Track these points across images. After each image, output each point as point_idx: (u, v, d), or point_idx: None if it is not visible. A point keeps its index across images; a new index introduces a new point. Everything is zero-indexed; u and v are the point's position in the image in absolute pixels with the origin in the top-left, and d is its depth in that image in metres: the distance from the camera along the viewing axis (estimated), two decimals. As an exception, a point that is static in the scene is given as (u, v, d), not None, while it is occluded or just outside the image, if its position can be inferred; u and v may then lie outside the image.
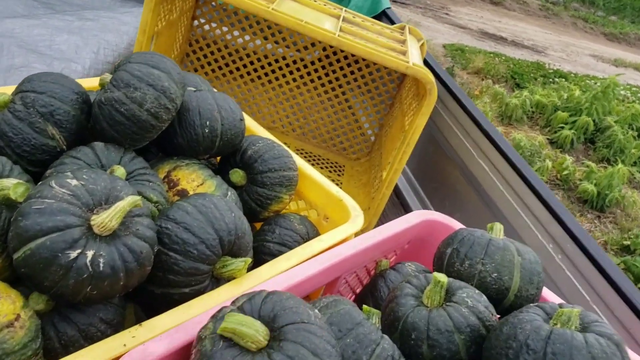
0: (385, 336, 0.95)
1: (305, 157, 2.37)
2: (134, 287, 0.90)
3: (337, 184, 2.24)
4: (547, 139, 6.12)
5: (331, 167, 2.37)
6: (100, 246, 0.83)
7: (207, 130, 1.16)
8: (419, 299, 1.06)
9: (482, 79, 7.19)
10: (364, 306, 1.00)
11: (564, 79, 7.57)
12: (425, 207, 2.31)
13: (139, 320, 1.04)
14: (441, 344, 0.98)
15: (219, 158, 1.41)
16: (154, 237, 0.91)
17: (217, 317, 0.83)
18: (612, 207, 5.17)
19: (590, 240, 1.60)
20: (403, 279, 1.21)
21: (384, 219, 2.27)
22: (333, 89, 2.35)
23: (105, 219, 0.83)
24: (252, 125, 1.44)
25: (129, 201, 0.85)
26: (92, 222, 0.83)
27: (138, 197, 0.86)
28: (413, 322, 1.01)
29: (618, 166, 5.29)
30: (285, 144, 2.33)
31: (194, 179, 1.13)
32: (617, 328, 1.45)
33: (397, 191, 2.45)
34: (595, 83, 7.32)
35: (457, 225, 1.32)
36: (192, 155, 1.20)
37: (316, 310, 0.87)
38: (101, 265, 0.82)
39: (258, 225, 1.39)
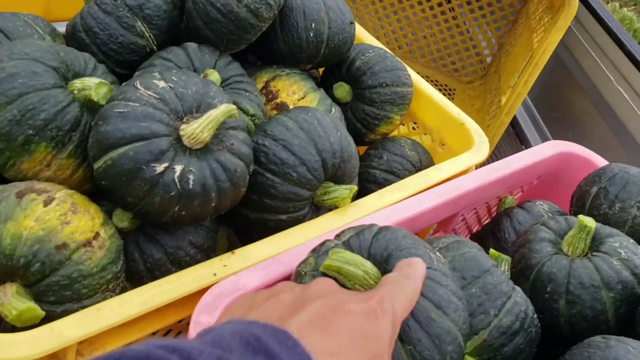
0: (518, 288, 0.79)
1: (411, 77, 2.16)
2: (226, 210, 0.78)
3: (445, 109, 2.04)
4: (680, 71, 5.45)
5: (440, 89, 2.15)
6: (190, 161, 0.71)
7: (312, 34, 1.00)
8: (557, 245, 0.88)
9: (608, 2, 6.45)
10: (491, 250, 0.84)
11: None
12: (544, 139, 2.05)
13: (231, 245, 0.94)
14: (584, 300, 0.81)
15: (321, 70, 1.25)
16: (250, 155, 0.78)
17: (319, 251, 0.71)
18: None
19: None
20: (533, 220, 1.03)
21: (496, 150, 2.05)
22: (448, 1, 2.09)
23: (197, 129, 0.71)
24: (361, 33, 1.26)
25: (223, 110, 0.72)
26: (181, 132, 0.71)
27: (233, 107, 0.73)
28: (550, 272, 0.84)
29: None
30: (390, 62, 2.13)
31: (294, 91, 0.98)
32: None
33: (512, 120, 2.19)
34: None
35: (601, 161, 1.10)
36: (294, 64, 1.05)
37: (438, 253, 0.72)
38: (191, 182, 0.70)
39: (362, 149, 1.24)
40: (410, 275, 0.58)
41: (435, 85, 2.16)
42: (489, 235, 1.05)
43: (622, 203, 0.93)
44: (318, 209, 0.90)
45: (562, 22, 1.52)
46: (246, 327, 0.39)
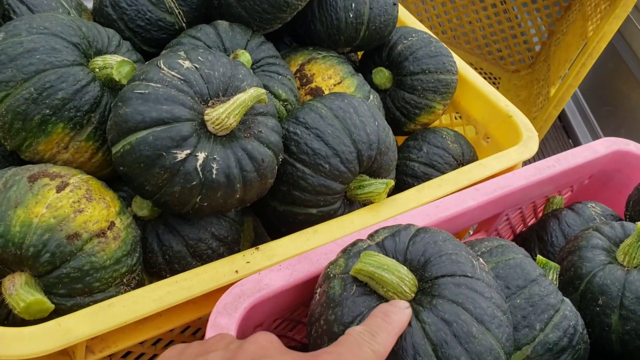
0: (567, 300, 0.72)
1: (453, 64, 2.06)
2: (252, 202, 0.73)
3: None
4: None
5: (485, 78, 2.04)
6: (215, 148, 0.66)
7: (351, 15, 0.93)
8: (611, 254, 0.80)
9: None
10: (539, 257, 0.76)
11: None
12: (593, 134, 1.94)
13: (258, 238, 0.89)
14: (639, 317, 0.73)
15: (360, 54, 1.18)
16: (280, 144, 0.72)
17: (350, 252, 0.65)
18: None
19: None
20: (584, 223, 0.95)
21: (542, 144, 1.95)
22: (496, -15, 1.98)
23: (222, 115, 0.65)
24: (404, 15, 1.18)
25: (251, 94, 0.66)
26: (205, 117, 0.66)
27: (263, 91, 0.67)
28: (602, 283, 0.76)
29: None
30: (432, 48, 2.04)
31: (330, 75, 0.92)
32: None
33: (560, 113, 2.08)
34: None
35: (659, 160, 1.01)
36: (331, 46, 0.98)
37: (481, 260, 0.65)
38: (214, 171, 0.65)
39: (400, 140, 1.17)
40: (381, 330, 0.51)
41: (480, 73, 2.06)
42: (534, 237, 0.97)
43: (686, 209, 0.84)
44: (351, 203, 0.84)
45: (621, 10, 1.41)
46: None
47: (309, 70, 0.93)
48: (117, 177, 0.74)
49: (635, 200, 0.92)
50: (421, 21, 2.06)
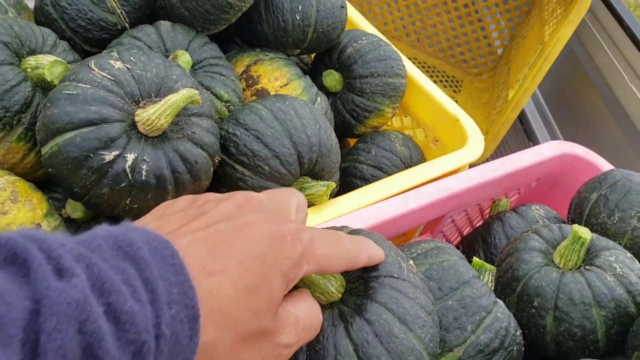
0: (500, 302, 0.73)
1: (417, 67, 2.08)
2: (187, 204, 0.72)
3: (451, 101, 1.96)
4: (703, 70, 5.28)
5: (447, 81, 2.07)
6: (145, 149, 0.65)
7: (298, 17, 0.93)
8: (548, 256, 0.81)
9: (632, -4, 6.26)
10: (475, 259, 0.77)
11: None
12: (554, 137, 1.97)
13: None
14: (572, 318, 0.74)
15: (313, 57, 1.18)
16: (215, 145, 0.72)
17: None
18: None
19: None
20: (527, 225, 0.96)
21: (502, 146, 1.97)
22: (458, -11, 2.00)
23: (153, 115, 0.65)
24: (355, 18, 1.19)
25: (184, 95, 0.65)
26: (136, 118, 0.65)
27: (196, 92, 0.66)
28: (538, 285, 0.77)
29: None
30: (396, 50, 2.05)
31: (277, 77, 0.92)
32: None
33: (521, 115, 2.11)
34: None
35: (605, 164, 1.03)
36: (279, 48, 0.98)
37: (411, 262, 0.65)
38: (144, 172, 0.64)
39: (352, 142, 1.17)
40: (354, 240, 0.52)
41: (442, 76, 2.08)
42: (479, 239, 0.98)
43: (622, 213, 0.86)
44: (293, 205, 0.84)
45: (575, 15, 1.44)
46: (126, 232, 0.35)
47: (255, 72, 0.93)
48: (50, 180, 0.73)
49: (577, 203, 0.94)
50: (385, 24, 2.07)
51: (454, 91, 2.03)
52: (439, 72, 2.09)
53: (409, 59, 2.00)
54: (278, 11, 0.93)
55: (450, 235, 1.06)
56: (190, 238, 0.38)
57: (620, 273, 0.76)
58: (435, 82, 2.04)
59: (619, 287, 0.75)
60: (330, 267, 0.48)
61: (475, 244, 0.99)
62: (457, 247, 1.08)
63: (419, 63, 2.10)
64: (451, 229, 1.04)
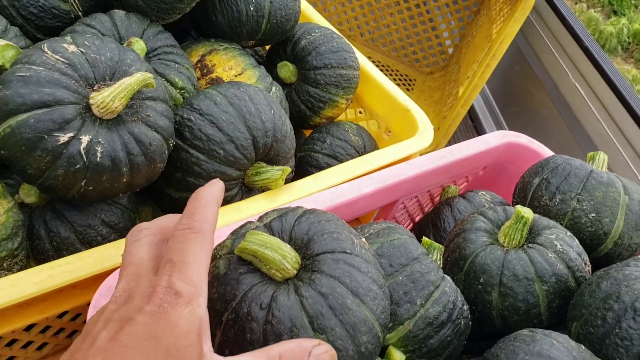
0: (447, 277, 0.76)
1: (372, 66, 2.12)
2: (142, 187, 0.73)
3: (404, 99, 2.00)
4: (643, 73, 5.53)
5: (400, 80, 2.12)
6: (100, 132, 0.66)
7: (252, 8, 0.95)
8: (493, 235, 0.85)
9: (576, 2, 6.52)
10: (424, 238, 0.80)
11: (670, 8, 6.77)
12: (502, 133, 2.04)
13: (157, 226, 0.89)
14: (516, 293, 0.78)
15: (268, 49, 1.20)
16: (170, 128, 0.73)
17: (238, 233, 0.66)
18: None
19: None
20: (474, 209, 1.00)
21: (453, 142, 2.03)
22: (410, -11, 2.06)
23: (107, 98, 0.65)
24: (309, 11, 1.22)
25: (138, 78, 0.66)
26: (90, 101, 0.66)
27: (150, 75, 0.67)
28: (483, 262, 0.81)
29: None
30: (351, 49, 2.09)
31: (232, 66, 0.93)
32: None
33: (472, 112, 2.18)
34: None
35: (546, 151, 1.08)
36: (234, 39, 1.00)
37: (363, 239, 0.68)
38: (99, 154, 0.65)
39: (308, 132, 1.20)
40: (196, 219, 0.49)
41: (396, 75, 2.13)
42: (429, 224, 1.02)
43: (563, 195, 0.90)
44: (249, 190, 0.86)
45: (520, 13, 1.50)
46: None
47: (210, 61, 0.94)
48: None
49: (521, 187, 0.98)
50: (339, 24, 2.11)
51: (407, 89, 2.08)
52: (392, 71, 2.14)
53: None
54: (232, 2, 0.95)
55: (402, 221, 1.09)
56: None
57: (561, 250, 0.81)
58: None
59: (559, 262, 0.80)
60: None
61: (425, 228, 1.02)
62: (410, 232, 1.11)
63: (374, 62, 2.14)
64: (403, 214, 1.07)
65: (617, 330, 0.68)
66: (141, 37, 0.85)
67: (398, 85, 2.09)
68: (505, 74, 2.12)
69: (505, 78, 2.11)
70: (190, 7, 0.89)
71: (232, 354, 0.46)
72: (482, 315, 0.81)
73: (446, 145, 1.91)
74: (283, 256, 0.59)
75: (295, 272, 0.61)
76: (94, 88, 0.67)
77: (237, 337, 0.55)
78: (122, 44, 0.83)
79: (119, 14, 0.85)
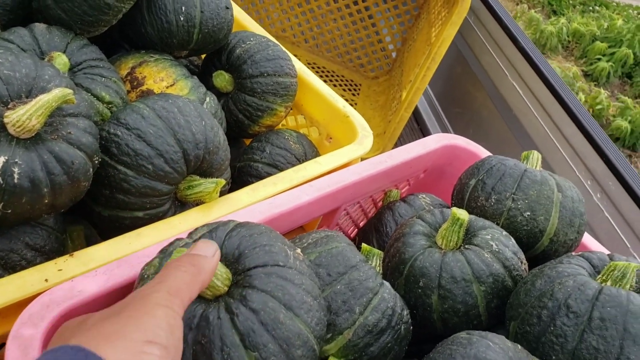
0: (386, 283, 0.76)
1: (317, 72, 2.12)
2: (68, 207, 0.71)
3: (351, 104, 2.01)
4: (582, 70, 5.74)
5: (346, 85, 2.13)
6: (16, 152, 0.63)
7: (182, 18, 0.93)
8: (431, 238, 0.86)
9: (517, 4, 6.71)
10: (363, 245, 0.80)
11: (605, 8, 7.06)
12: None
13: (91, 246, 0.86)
14: (455, 295, 0.79)
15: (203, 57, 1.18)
16: (94, 145, 0.70)
17: (167, 252, 0.64)
18: (646, 146, 4.86)
19: (638, 179, 1.38)
20: (415, 213, 1.01)
21: (399, 145, 2.05)
22: (352, -5, 2.07)
23: (23, 116, 0.63)
24: (244, 19, 1.20)
25: (56, 95, 0.64)
26: (5, 120, 0.63)
27: (69, 91, 0.65)
28: (422, 266, 0.81)
29: (657, 103, 4.92)
30: (295, 56, 2.08)
31: (163, 77, 0.91)
32: (661, 282, 1.25)
33: (417, 115, 2.21)
34: (639, 14, 6.80)
35: (483, 152, 1.10)
36: (165, 49, 0.98)
37: (298, 250, 0.67)
38: (16, 176, 0.62)
39: (248, 142, 1.18)
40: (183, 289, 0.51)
41: (342, 80, 2.14)
42: (372, 229, 1.02)
43: (498, 195, 0.92)
44: (183, 205, 0.84)
45: (457, 17, 1.53)
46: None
47: (140, 73, 0.92)
48: None
49: (458, 189, 0.99)
50: (283, 30, 2.10)
51: (353, 94, 2.09)
52: (338, 76, 2.14)
53: (308, 64, 2.05)
54: (161, 12, 0.93)
55: (346, 228, 1.09)
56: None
57: (497, 250, 0.82)
58: (334, 86, 2.09)
59: (495, 262, 0.81)
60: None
61: (369, 233, 1.02)
62: (354, 238, 1.11)
63: (319, 68, 2.14)
64: (347, 221, 1.07)
65: (552, 328, 0.69)
66: (64, 51, 0.82)
67: (344, 90, 2.10)
68: (447, 76, 2.15)
69: (448, 80, 2.15)
70: (116, 19, 0.87)
71: None
72: (423, 318, 0.82)
73: (393, 149, 1.93)
74: (214, 275, 0.58)
75: (226, 288, 0.60)
76: (9, 106, 0.64)
77: None
78: (43, 58, 0.80)
79: (39, 27, 0.82)
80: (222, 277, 0.59)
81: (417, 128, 2.14)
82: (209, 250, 0.55)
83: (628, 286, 0.71)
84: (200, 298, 0.59)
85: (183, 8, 0.93)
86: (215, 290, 0.58)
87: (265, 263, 0.61)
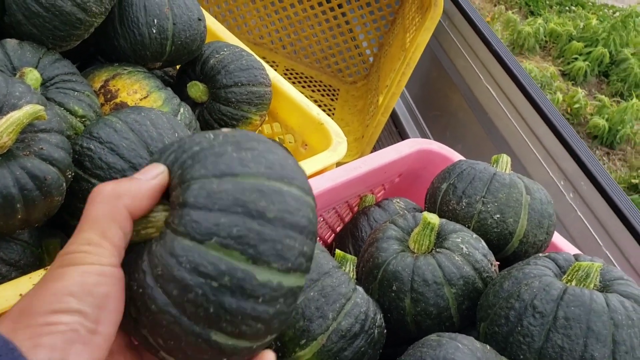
0: (359, 288, 0.78)
1: (295, 78, 2.14)
2: (42, 222, 0.71)
3: (330, 110, 2.03)
4: (560, 70, 5.82)
5: (324, 90, 2.15)
6: (-12, 169, 0.63)
7: (154, 31, 0.94)
8: (404, 243, 0.88)
9: (495, 5, 6.79)
10: (337, 251, 0.82)
11: (581, 7, 7.17)
12: (424, 137, 2.10)
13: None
14: (427, 298, 0.81)
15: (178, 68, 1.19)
16: (66, 160, 0.71)
17: None
18: (623, 143, 4.95)
19: (608, 178, 1.41)
20: (389, 217, 1.03)
21: (379, 148, 2.07)
22: (328, 1, 2.08)
23: (-6, 134, 0.63)
24: (217, 29, 1.22)
25: (27, 111, 0.64)
26: (-24, 137, 0.64)
27: (41, 107, 0.65)
28: (395, 270, 0.83)
29: (632, 101, 5.02)
30: (274, 62, 2.10)
31: (136, 90, 0.92)
32: (634, 278, 1.28)
33: (395, 119, 2.23)
34: (614, 13, 6.91)
35: (456, 156, 1.12)
36: (139, 62, 0.99)
37: None
38: (-12, 193, 0.63)
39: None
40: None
41: (320, 85, 2.16)
42: (348, 234, 1.04)
43: (469, 198, 0.94)
44: (159, 216, 0.84)
45: (430, 22, 1.55)
46: None
47: (114, 86, 0.92)
48: None
49: (431, 194, 1.01)
50: (261, 37, 2.12)
51: (332, 99, 2.11)
52: (316, 81, 2.16)
53: (286, 70, 2.06)
54: (134, 25, 0.94)
55: (323, 233, 1.11)
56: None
57: (467, 252, 0.84)
58: (313, 91, 2.11)
59: (466, 265, 0.83)
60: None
61: (345, 239, 1.04)
62: (331, 243, 1.13)
63: (297, 74, 2.16)
64: (323, 226, 1.09)
65: (519, 328, 0.71)
66: (36, 67, 0.82)
67: (322, 95, 2.12)
68: (424, 80, 2.18)
69: (425, 84, 2.18)
70: (88, 33, 0.88)
71: None
72: (397, 322, 0.83)
73: (371, 152, 1.95)
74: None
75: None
76: (-20, 124, 0.65)
77: None
78: (15, 74, 0.80)
79: (11, 43, 0.83)
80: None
81: (395, 131, 2.17)
82: (147, 174, 0.46)
83: (592, 285, 0.73)
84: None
85: (155, 21, 0.94)
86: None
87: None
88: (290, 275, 0.43)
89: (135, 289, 0.43)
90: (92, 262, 0.41)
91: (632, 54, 5.90)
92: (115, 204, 0.44)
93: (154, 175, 0.46)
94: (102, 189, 0.46)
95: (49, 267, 0.43)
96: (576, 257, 0.81)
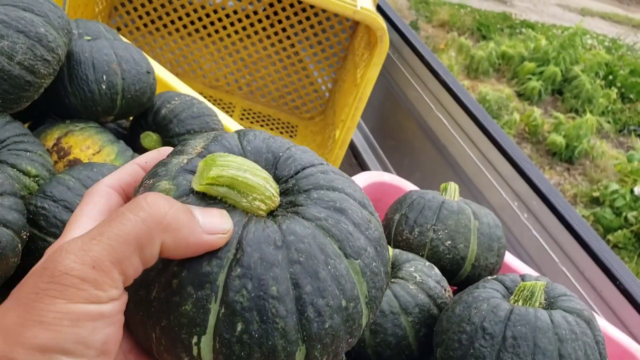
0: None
1: (253, 118, 2.18)
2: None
3: (288, 146, 2.06)
4: (515, 91, 6.02)
5: (283, 128, 2.19)
6: (-60, 236, 0.64)
7: (104, 87, 0.97)
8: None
9: (448, 32, 7.00)
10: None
11: (530, 29, 7.45)
12: (384, 167, 2.15)
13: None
14: (385, 328, 0.83)
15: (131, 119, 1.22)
16: (20, 221, 0.72)
17: (167, 174, 0.44)
18: (581, 158, 5.11)
19: (558, 196, 1.47)
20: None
21: (339, 181, 2.11)
22: (280, 41, 2.14)
23: (-55, 202, 0.65)
24: (169, 79, 1.25)
25: (-23, 177, 0.66)
26: None
27: (-9, 172, 0.67)
28: (353, 304, 0.85)
29: (586, 116, 5.21)
30: (230, 104, 2.14)
31: (89, 145, 0.94)
32: (588, 291, 1.33)
33: (355, 151, 2.28)
34: (563, 32, 7.20)
35: (409, 186, 1.16)
36: (91, 117, 1.01)
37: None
38: (-59, 260, 0.64)
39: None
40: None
41: (278, 124, 2.20)
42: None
43: (420, 227, 0.98)
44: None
45: (377, 57, 1.61)
46: None
47: (66, 143, 0.94)
48: None
49: (385, 225, 1.05)
50: (216, 80, 2.16)
51: (291, 136, 2.15)
52: (274, 120, 2.20)
53: (244, 110, 2.10)
54: (83, 83, 0.96)
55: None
56: None
57: (420, 280, 0.87)
58: (271, 129, 2.14)
59: (420, 293, 0.86)
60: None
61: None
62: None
63: (255, 114, 2.20)
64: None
65: (471, 351, 0.74)
66: (-13, 130, 0.84)
67: (281, 133, 2.15)
68: (380, 112, 2.24)
69: (381, 115, 2.24)
70: (38, 93, 0.90)
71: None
72: (359, 354, 0.85)
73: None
74: (266, 180, 0.44)
75: (278, 201, 0.46)
76: None
77: None
78: (-35, 139, 0.82)
79: (-40, 109, 0.84)
80: (274, 186, 0.45)
81: (355, 163, 2.21)
82: (209, 224, 0.38)
83: (537, 304, 0.77)
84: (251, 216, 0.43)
85: (104, 77, 0.97)
86: (271, 202, 0.44)
87: (311, 163, 0.49)
88: None
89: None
90: (87, 300, 0.32)
91: (582, 71, 6.14)
92: (156, 233, 0.35)
93: (215, 230, 0.38)
94: (155, 201, 0.36)
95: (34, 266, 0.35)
96: (522, 277, 0.84)
